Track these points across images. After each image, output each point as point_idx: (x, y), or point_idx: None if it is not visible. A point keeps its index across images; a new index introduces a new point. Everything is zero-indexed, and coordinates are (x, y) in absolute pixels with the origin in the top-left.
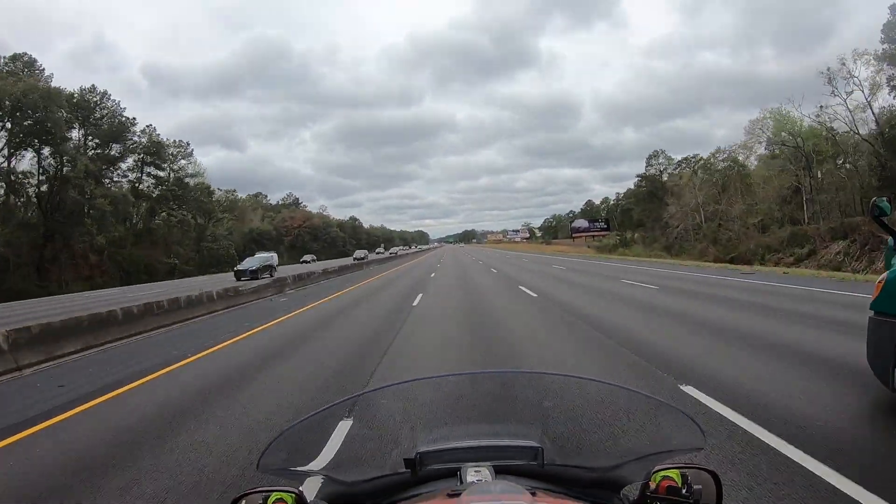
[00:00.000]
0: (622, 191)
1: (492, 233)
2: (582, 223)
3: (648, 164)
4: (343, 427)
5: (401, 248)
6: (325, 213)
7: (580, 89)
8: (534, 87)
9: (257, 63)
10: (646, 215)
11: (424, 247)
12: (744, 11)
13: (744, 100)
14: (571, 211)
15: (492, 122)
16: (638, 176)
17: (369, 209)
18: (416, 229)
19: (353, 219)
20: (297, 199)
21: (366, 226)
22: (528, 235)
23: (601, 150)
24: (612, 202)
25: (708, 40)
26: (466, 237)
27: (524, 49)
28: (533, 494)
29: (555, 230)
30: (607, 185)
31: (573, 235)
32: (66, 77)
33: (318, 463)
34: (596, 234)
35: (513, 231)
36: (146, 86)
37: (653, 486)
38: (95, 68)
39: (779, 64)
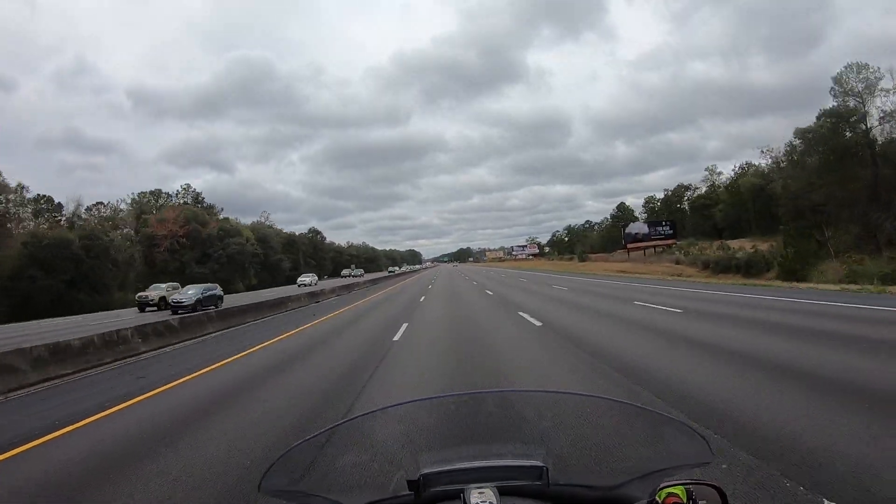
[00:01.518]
0: (611, 205)
1: (491, 250)
2: (640, 228)
3: (845, 94)
4: (345, 448)
5: (349, 271)
6: (266, 223)
7: (570, 104)
8: (523, 103)
9: (242, 84)
10: (842, 195)
11: (407, 268)
12: (733, 19)
13: (736, 110)
14: (588, 221)
15: (481, 141)
16: (826, 116)
17: (363, 230)
18: (408, 249)
19: (314, 231)
20: (198, 194)
21: (343, 243)
22: (536, 251)
23: (593, 166)
24: (657, 201)
25: (698, 50)
26: (461, 255)
27: (511, 63)
28: None
29: (569, 244)
30: (600, 201)
31: (628, 246)
32: (48, 98)
33: (320, 485)
34: (659, 242)
35: (518, 247)
36: (131, 108)
37: (658, 503)
38: (79, 90)
39: (770, 72)
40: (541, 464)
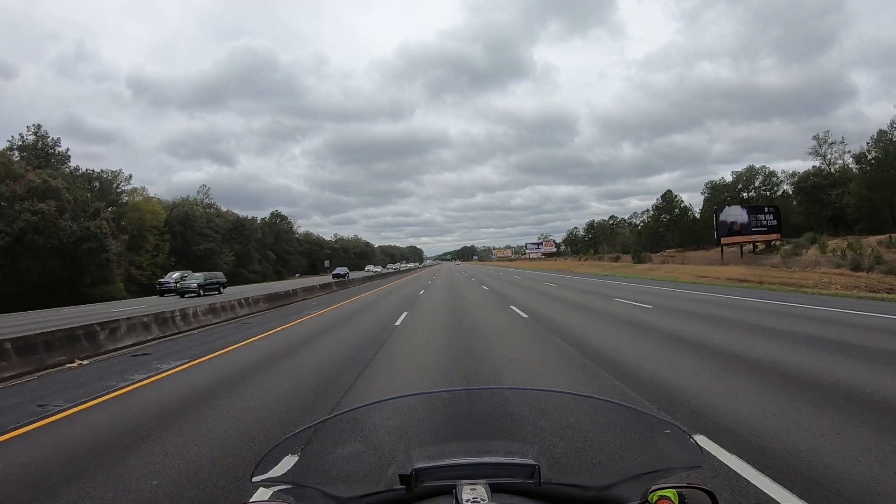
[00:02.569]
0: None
1: (498, 248)
2: (737, 216)
3: None
4: (338, 440)
5: (176, 276)
6: (204, 200)
7: (576, 102)
8: (528, 100)
9: (243, 74)
10: None
11: (393, 268)
12: (744, 20)
13: (743, 113)
14: (613, 216)
15: (486, 138)
16: None
17: (365, 226)
18: (409, 245)
19: (278, 216)
20: (52, 141)
21: (327, 236)
22: (553, 249)
23: (598, 167)
24: (720, 186)
25: (707, 50)
26: (465, 254)
27: (518, 59)
28: None
29: (592, 243)
30: (605, 202)
31: (722, 241)
32: (48, 86)
33: (313, 477)
34: (760, 237)
35: (532, 244)
36: (131, 97)
37: None
38: (80, 77)
39: (780, 75)
40: (533, 462)
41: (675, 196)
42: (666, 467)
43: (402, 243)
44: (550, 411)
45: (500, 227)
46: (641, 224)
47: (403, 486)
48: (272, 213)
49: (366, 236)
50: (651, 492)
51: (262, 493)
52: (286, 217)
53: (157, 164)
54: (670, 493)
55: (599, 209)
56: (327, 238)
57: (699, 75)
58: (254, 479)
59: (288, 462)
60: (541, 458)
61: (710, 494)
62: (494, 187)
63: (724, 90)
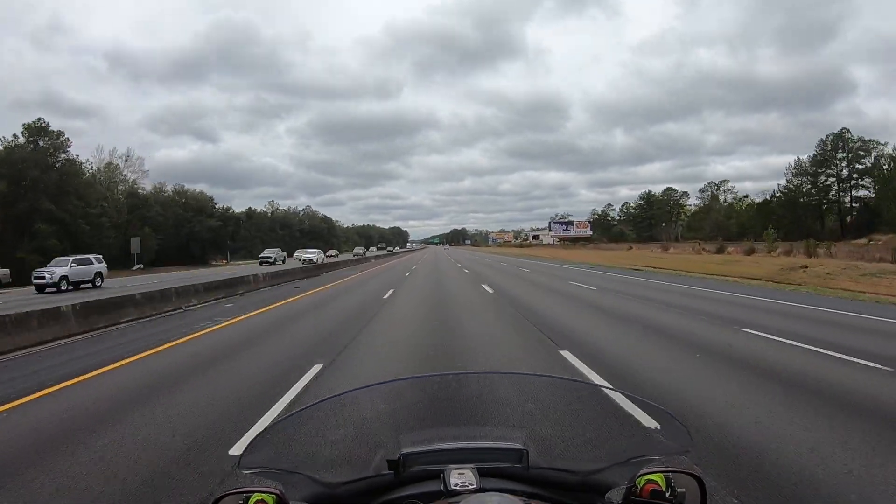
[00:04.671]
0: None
1: (496, 231)
2: None
3: None
4: (326, 426)
5: None
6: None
7: (568, 86)
8: (519, 82)
9: (225, 48)
10: None
11: (313, 257)
12: (745, 6)
13: (739, 104)
14: (670, 188)
15: (475, 120)
16: None
17: (352, 208)
18: (392, 227)
19: (39, 128)
20: None
21: (269, 210)
22: (588, 232)
23: (589, 154)
24: None
25: (705, 37)
26: (455, 237)
27: (509, 38)
28: None
29: (648, 220)
30: (594, 190)
31: None
32: (22, 60)
33: (300, 463)
34: None
35: (558, 224)
36: (109, 70)
37: (637, 489)
38: (56, 50)
39: (779, 65)
40: (521, 446)
41: (862, 141)
42: (654, 452)
43: (390, 226)
44: (539, 395)
45: (489, 213)
46: (746, 201)
47: (392, 471)
48: (24, 126)
49: (353, 218)
50: (639, 476)
51: (250, 480)
52: (60, 136)
53: (139, 140)
54: (658, 478)
55: (588, 197)
56: (231, 210)
57: (696, 63)
58: (242, 465)
59: (276, 448)
60: (529, 443)
61: (698, 479)
62: (483, 172)
63: (722, 79)
